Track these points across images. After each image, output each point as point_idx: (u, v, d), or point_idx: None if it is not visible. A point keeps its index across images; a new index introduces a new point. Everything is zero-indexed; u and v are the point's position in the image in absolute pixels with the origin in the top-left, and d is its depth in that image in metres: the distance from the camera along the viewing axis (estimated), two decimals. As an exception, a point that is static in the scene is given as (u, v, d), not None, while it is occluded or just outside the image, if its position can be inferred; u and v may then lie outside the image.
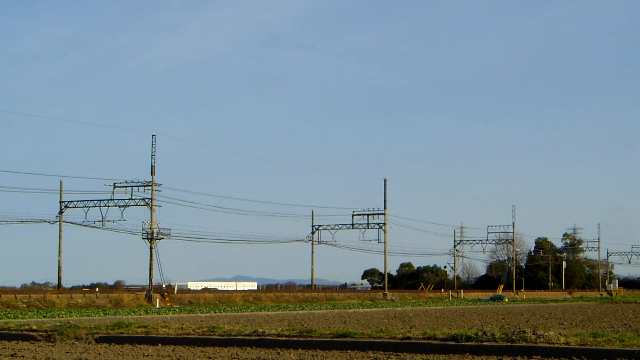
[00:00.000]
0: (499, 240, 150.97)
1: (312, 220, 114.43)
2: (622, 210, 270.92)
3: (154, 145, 79.98)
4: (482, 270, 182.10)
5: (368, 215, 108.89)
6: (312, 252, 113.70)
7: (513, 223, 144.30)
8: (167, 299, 77.74)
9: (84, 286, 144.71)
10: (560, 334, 21.94)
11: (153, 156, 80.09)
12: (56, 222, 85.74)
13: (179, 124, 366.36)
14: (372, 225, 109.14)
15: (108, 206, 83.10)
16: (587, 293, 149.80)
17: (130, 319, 39.18)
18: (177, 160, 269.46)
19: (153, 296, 76.58)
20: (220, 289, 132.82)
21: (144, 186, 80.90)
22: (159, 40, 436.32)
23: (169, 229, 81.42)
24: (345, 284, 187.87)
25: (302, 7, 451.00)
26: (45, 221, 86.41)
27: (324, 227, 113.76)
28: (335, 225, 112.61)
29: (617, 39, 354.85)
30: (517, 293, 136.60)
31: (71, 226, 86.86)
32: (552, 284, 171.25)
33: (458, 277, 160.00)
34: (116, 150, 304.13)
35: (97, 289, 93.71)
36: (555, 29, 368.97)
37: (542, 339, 21.22)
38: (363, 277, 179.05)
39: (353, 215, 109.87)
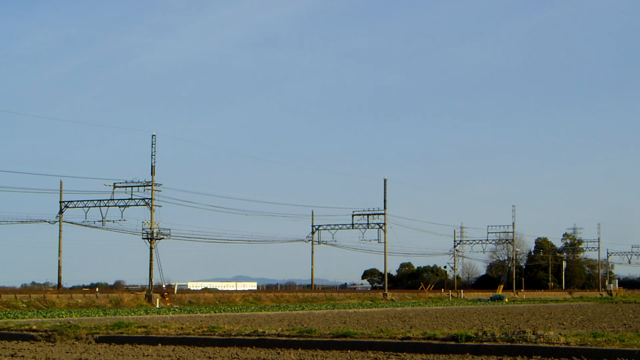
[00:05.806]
0: (499, 240, 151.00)
1: (312, 220, 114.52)
2: (622, 210, 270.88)
3: (154, 145, 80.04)
4: (482, 270, 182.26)
5: (368, 215, 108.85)
6: (312, 252, 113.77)
7: (513, 223, 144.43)
8: (167, 299, 77.75)
9: (84, 286, 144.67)
10: (560, 334, 21.93)
11: (153, 156, 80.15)
12: (56, 222, 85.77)
13: (179, 124, 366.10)
14: (372, 225, 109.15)
15: (108, 206, 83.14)
16: (587, 293, 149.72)
17: (130, 319, 39.16)
18: (177, 160, 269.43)
19: (153, 296, 76.59)
20: (220, 289, 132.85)
21: (144, 186, 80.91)
22: (159, 41, 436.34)
23: (169, 229, 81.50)
24: (345, 284, 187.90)
25: (301, 8, 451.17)
26: (45, 221, 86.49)
27: (324, 227, 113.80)
28: (335, 225, 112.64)
29: (617, 39, 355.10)
30: (517, 293, 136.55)
31: (71, 226, 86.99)
32: (552, 284, 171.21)
33: (458, 277, 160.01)
34: (116, 150, 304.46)
35: (97, 289, 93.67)
36: (555, 29, 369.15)
37: (542, 339, 21.22)
38: (363, 277, 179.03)
39: (353, 215, 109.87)
